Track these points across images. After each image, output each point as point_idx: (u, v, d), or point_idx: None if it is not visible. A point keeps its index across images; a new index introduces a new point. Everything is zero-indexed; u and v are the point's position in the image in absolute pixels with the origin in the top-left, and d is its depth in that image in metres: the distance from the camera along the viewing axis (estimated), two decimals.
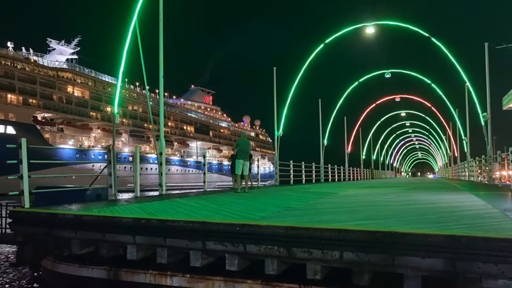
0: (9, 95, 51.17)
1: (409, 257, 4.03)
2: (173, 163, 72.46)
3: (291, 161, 23.00)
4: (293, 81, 24.32)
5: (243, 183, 13.04)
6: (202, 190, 14.22)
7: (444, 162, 60.16)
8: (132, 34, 11.44)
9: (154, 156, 63.24)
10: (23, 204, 7.18)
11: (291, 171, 22.74)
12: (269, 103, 22.48)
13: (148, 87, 12.54)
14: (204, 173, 14.16)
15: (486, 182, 20.46)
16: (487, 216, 5.75)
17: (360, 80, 33.59)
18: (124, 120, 67.04)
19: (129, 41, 11.26)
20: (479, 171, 23.94)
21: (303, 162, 24.10)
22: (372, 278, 4.37)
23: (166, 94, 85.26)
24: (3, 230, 8.70)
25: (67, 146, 56.46)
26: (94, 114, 62.80)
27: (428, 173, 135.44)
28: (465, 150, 28.70)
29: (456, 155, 38.22)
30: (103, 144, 62.81)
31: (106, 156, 9.79)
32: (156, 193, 12.21)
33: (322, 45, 24.36)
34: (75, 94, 60.87)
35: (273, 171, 39.81)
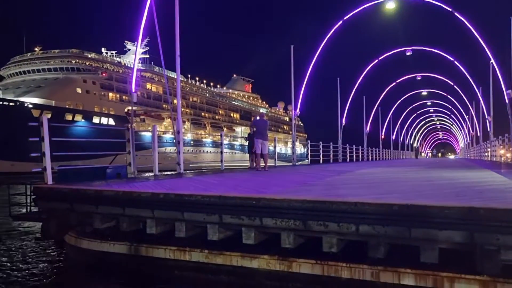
0: (110, 94, 63.97)
1: (426, 229, 3.99)
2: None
3: (309, 141, 22.89)
4: (311, 59, 23.99)
5: (262, 162, 13.07)
6: (224, 167, 14.24)
7: (466, 143, 58.93)
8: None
9: (209, 140, 73.03)
10: (46, 181, 7.37)
11: (309, 151, 22.66)
12: (296, 85, 22.32)
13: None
14: (221, 152, 14.27)
15: (510, 161, 20.00)
16: (508, 190, 5.64)
17: (380, 58, 32.91)
18: (187, 110, 76.88)
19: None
20: (502, 150, 23.37)
21: (320, 142, 23.96)
22: (388, 250, 4.36)
23: (218, 85, 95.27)
24: (28, 208, 8.98)
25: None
26: (166, 106, 72.86)
27: (450, 154, 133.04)
28: (488, 130, 27.99)
29: (478, 134, 37.34)
30: (171, 131, 67.88)
31: (125, 134, 9.94)
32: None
33: (340, 22, 23.87)
34: (153, 90, 73.08)
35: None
